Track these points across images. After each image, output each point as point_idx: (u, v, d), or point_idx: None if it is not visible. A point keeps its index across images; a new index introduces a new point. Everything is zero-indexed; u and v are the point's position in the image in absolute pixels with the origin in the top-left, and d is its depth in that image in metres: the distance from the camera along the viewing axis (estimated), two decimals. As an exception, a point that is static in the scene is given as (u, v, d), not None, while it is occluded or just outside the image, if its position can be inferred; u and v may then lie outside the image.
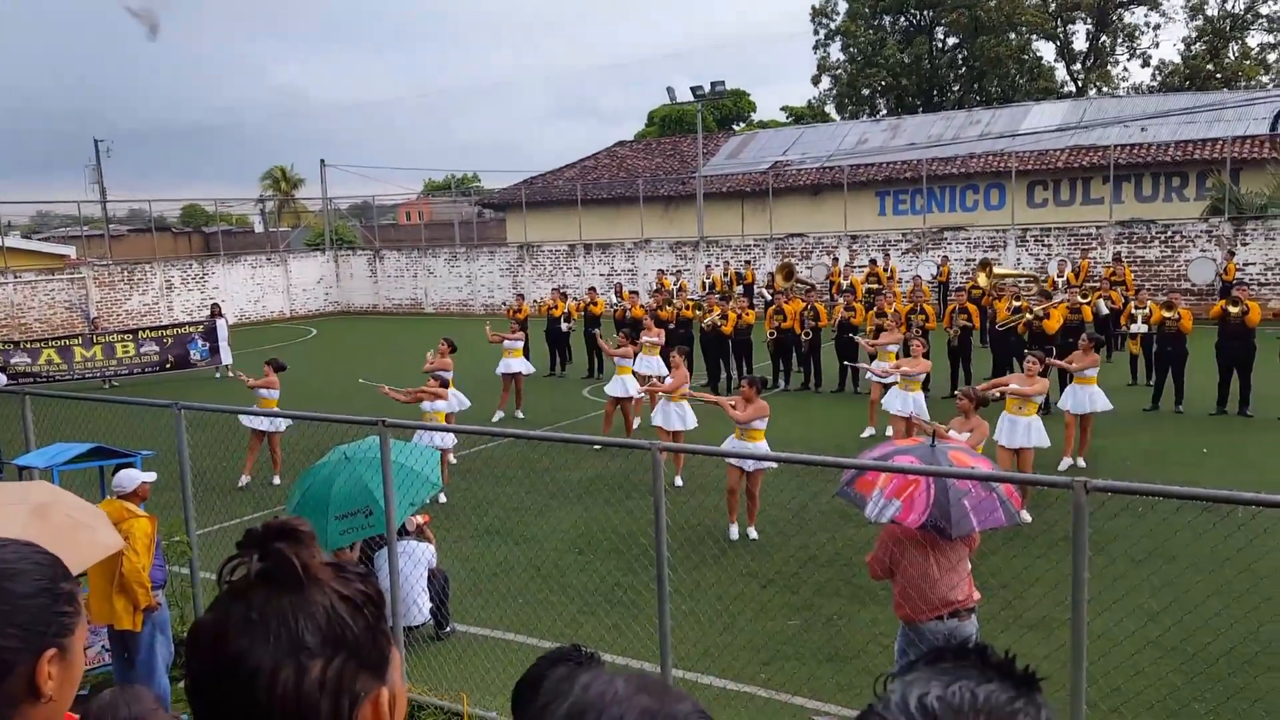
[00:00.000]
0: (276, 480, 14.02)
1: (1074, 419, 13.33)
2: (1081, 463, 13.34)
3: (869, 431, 15.47)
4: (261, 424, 13.87)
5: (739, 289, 27.56)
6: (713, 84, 36.73)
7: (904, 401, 14.02)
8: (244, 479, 13.95)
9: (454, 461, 13.79)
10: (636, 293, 24.43)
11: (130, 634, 7.16)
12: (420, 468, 8.40)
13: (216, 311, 26.80)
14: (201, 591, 8.50)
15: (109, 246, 39.37)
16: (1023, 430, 11.67)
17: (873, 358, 16.51)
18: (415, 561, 8.62)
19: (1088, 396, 13.30)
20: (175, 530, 8.45)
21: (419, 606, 8.64)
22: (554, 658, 2.45)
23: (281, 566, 1.26)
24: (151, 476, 7.74)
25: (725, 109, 59.09)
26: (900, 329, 17.02)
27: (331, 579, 1.29)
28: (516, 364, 18.09)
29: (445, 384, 14.03)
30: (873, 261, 28.94)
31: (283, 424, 14.19)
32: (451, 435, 12.85)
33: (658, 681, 1.10)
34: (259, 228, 55.65)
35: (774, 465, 11.06)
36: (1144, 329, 16.73)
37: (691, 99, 37.63)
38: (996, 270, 25.67)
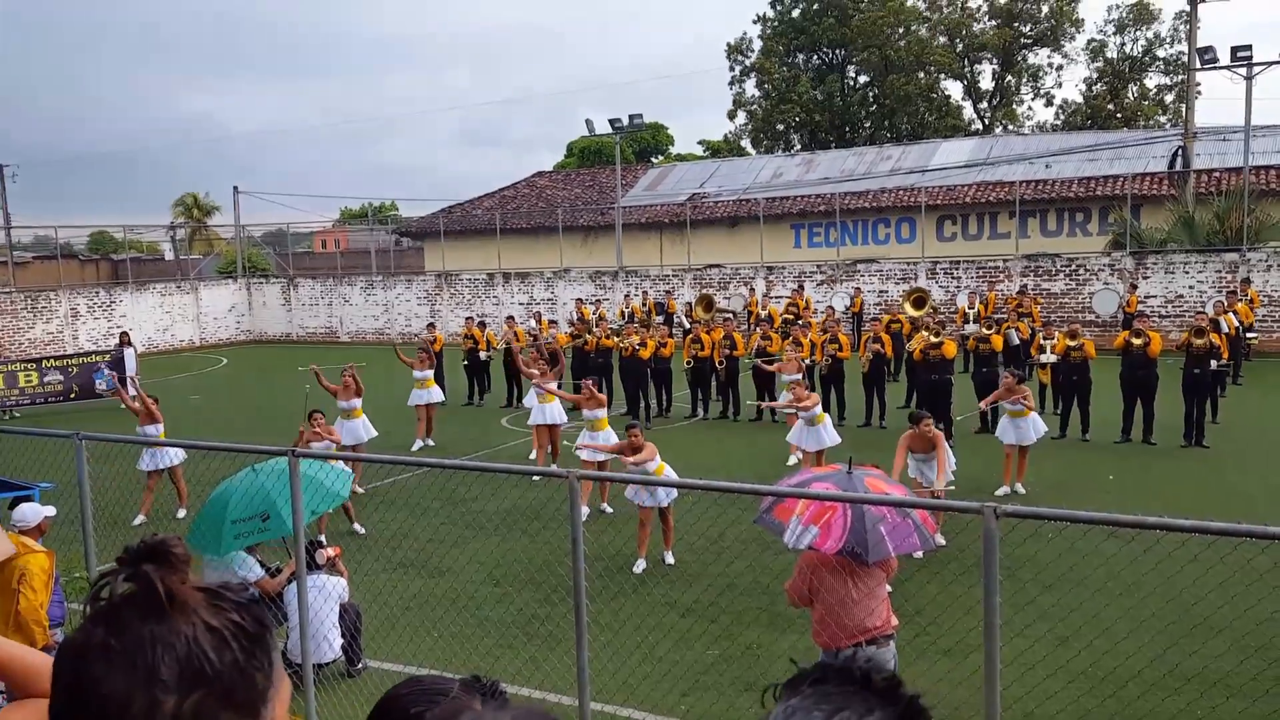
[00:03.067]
0: (182, 513, 13.53)
1: (1012, 449, 13.71)
2: (1021, 489, 13.63)
3: (794, 459, 15.43)
4: (155, 463, 13.45)
5: (659, 318, 27.64)
6: (631, 117, 37.00)
7: (798, 435, 14.56)
8: (139, 518, 13.29)
9: (360, 491, 13.60)
10: (555, 322, 24.34)
11: (26, 675, 6.86)
12: (329, 482, 8.25)
13: (125, 340, 26.13)
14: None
15: (12, 274, 38.26)
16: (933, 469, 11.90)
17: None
18: (326, 596, 8.40)
19: (1030, 427, 13.68)
20: (75, 566, 8.16)
21: (329, 643, 8.42)
22: (465, 686, 2.39)
23: (144, 591, 1.18)
24: (51, 511, 7.47)
25: (643, 141, 59.57)
26: (800, 357, 17.35)
27: (201, 605, 1.20)
28: (426, 395, 17.94)
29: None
30: (795, 291, 29.29)
31: (177, 456, 13.63)
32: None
33: None
34: (170, 255, 54.42)
35: (674, 494, 11.16)
36: (1053, 359, 17.13)
37: (610, 131, 37.85)
38: (931, 304, 26.06)
